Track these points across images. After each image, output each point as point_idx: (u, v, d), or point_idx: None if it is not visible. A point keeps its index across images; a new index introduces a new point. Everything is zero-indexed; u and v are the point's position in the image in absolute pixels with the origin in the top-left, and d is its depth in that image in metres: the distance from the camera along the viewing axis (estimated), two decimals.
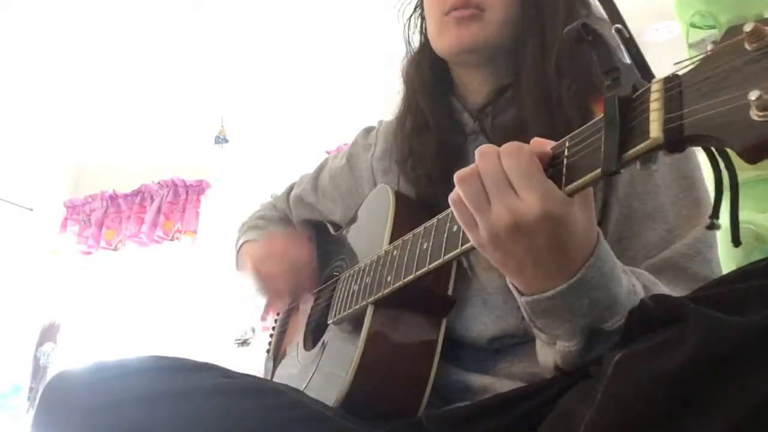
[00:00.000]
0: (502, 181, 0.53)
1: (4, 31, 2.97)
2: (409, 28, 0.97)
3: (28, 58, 3.19)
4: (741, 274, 0.50)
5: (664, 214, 0.73)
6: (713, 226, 0.48)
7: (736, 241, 0.48)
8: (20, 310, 3.81)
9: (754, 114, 0.37)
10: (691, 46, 1.81)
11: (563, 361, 0.60)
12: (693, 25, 1.81)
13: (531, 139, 0.57)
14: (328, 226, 1.09)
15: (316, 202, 1.10)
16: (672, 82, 0.44)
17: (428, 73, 0.92)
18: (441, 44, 0.86)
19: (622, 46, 0.51)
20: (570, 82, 0.76)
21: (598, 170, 0.48)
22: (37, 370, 3.86)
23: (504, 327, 0.77)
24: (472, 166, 0.56)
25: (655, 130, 0.43)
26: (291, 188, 1.19)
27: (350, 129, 1.50)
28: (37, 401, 0.68)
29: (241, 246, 1.12)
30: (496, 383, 0.74)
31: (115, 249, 4.03)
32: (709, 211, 0.74)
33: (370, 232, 0.90)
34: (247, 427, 0.60)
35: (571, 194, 0.52)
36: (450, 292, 0.80)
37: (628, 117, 0.47)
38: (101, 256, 4.07)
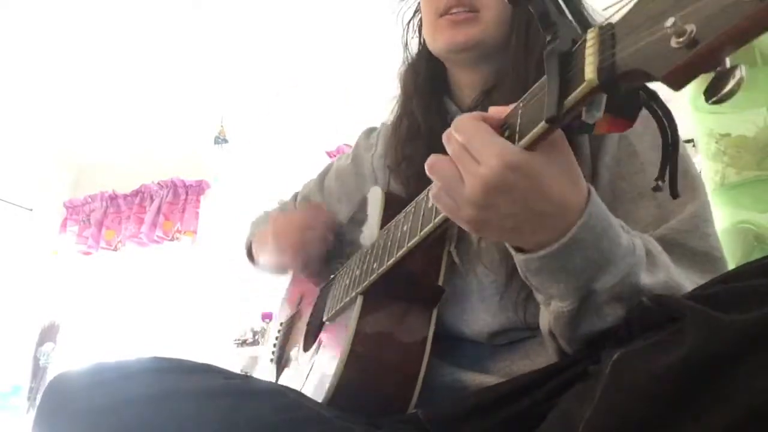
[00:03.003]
0: (463, 154, 0.54)
1: (5, 30, 2.97)
2: (407, 33, 0.98)
3: (29, 58, 3.19)
4: (739, 274, 0.50)
5: (652, 191, 0.74)
6: (657, 188, 0.50)
7: (674, 194, 0.51)
8: (20, 310, 3.81)
9: (674, 42, 0.38)
10: None
11: (556, 323, 0.61)
12: None
13: None
14: None
15: (322, 203, 1.11)
16: (606, 27, 0.46)
17: (423, 78, 0.93)
18: (435, 44, 0.87)
19: (561, 4, 0.52)
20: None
21: (543, 122, 0.50)
22: (37, 370, 3.86)
23: (503, 321, 0.77)
24: (436, 155, 0.58)
25: (590, 72, 0.45)
26: (296, 195, 1.20)
27: (350, 129, 1.50)
28: (37, 403, 0.68)
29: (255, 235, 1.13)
30: (495, 382, 0.74)
31: (115, 249, 4.04)
32: (699, 186, 0.74)
33: (364, 233, 0.91)
34: (247, 428, 0.60)
35: (526, 148, 0.53)
36: (441, 284, 0.80)
37: (567, 68, 0.49)
38: (101, 257, 4.07)
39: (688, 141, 2.04)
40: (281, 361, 1.07)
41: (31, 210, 4.02)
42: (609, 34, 0.45)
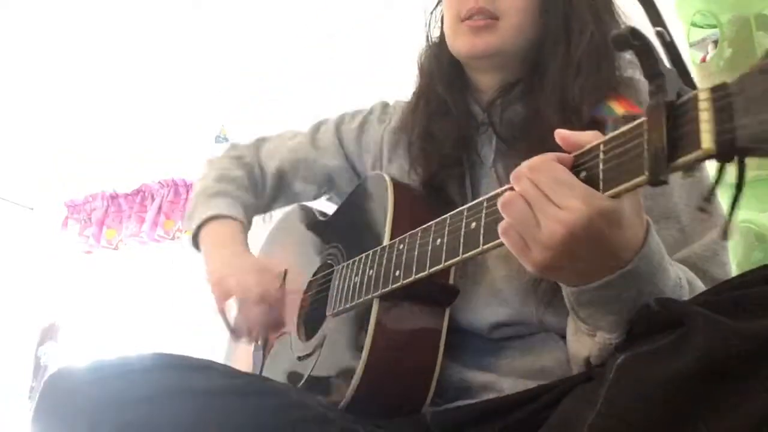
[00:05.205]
0: (541, 197, 0.52)
1: (5, 30, 2.96)
2: (430, 23, 0.98)
3: (29, 58, 3.19)
4: (745, 282, 0.50)
5: (677, 214, 0.74)
6: (703, 209, 0.49)
7: (724, 236, 0.50)
8: (21, 309, 3.81)
9: None
10: (691, 45, 1.81)
11: (599, 353, 0.60)
12: (694, 24, 1.80)
13: (538, 135, 0.57)
14: (314, 210, 1.08)
15: (311, 157, 1.08)
16: (720, 91, 0.44)
17: (447, 64, 0.93)
18: (455, 48, 0.88)
19: (662, 50, 0.51)
20: (584, 81, 0.77)
21: (643, 177, 0.47)
22: (38, 369, 3.85)
23: (512, 314, 0.77)
24: (510, 192, 0.56)
25: (707, 141, 0.43)
26: (260, 141, 1.20)
27: None
28: (36, 399, 0.68)
29: (204, 222, 1.03)
30: (498, 381, 0.75)
31: (116, 248, 4.03)
32: (721, 213, 0.75)
33: (368, 222, 0.89)
34: (250, 427, 0.60)
35: (612, 197, 0.51)
36: (451, 281, 0.80)
37: (674, 124, 0.46)
38: (102, 255, 4.07)
39: None
40: (266, 345, 1.06)
41: (31, 209, 4.01)
42: (725, 100, 0.43)
